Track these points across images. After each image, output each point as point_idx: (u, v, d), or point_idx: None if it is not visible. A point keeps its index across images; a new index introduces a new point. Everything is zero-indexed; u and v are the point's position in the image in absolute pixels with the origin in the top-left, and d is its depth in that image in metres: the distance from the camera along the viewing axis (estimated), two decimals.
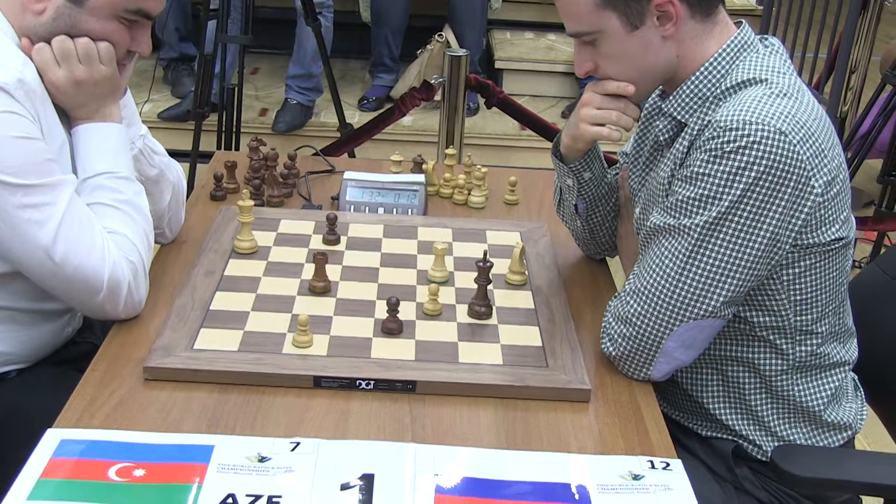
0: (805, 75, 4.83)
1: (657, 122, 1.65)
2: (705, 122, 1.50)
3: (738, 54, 1.55)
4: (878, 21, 4.38)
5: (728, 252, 1.46)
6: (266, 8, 4.57)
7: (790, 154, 1.42)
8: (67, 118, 1.63)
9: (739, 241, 1.46)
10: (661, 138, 1.63)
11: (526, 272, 1.79)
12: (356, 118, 4.43)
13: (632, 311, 1.53)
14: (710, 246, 1.47)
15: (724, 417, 1.65)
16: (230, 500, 1.23)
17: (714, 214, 1.45)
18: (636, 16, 1.51)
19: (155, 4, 1.60)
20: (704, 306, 1.49)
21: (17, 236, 1.49)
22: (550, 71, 4.98)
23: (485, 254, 1.67)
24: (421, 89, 3.43)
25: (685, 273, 1.48)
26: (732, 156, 1.43)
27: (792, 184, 1.44)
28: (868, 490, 1.57)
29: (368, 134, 3.60)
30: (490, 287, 1.69)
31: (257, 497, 1.24)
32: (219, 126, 3.67)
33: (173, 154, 1.91)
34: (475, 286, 1.66)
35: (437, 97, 3.38)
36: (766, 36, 1.62)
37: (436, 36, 4.60)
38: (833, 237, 1.52)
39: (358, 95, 4.83)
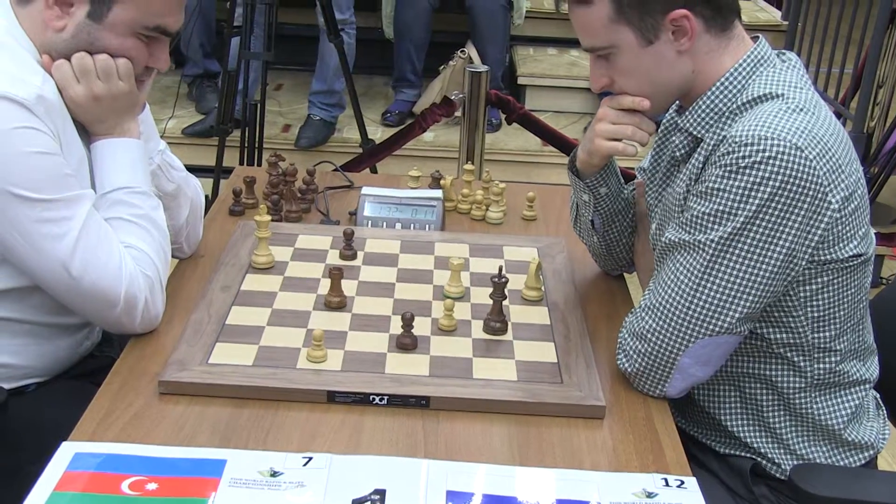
0: (831, 90, 4.80)
1: (673, 138, 1.64)
2: (721, 138, 1.49)
3: (754, 69, 1.54)
4: None
5: (743, 268, 1.45)
6: (289, 25, 4.61)
7: (806, 170, 1.41)
8: (86, 133, 1.64)
9: (755, 256, 1.45)
10: (678, 153, 1.63)
11: (542, 288, 1.78)
12: (378, 133, 4.45)
13: (647, 326, 1.52)
14: (725, 262, 1.46)
15: (741, 435, 1.63)
16: None
17: (729, 230, 1.44)
18: (651, 30, 1.50)
19: (173, 21, 1.61)
20: (720, 322, 1.47)
21: (35, 250, 1.50)
22: (573, 87, 4.97)
23: (500, 269, 1.67)
24: (441, 105, 3.43)
25: (700, 289, 1.47)
26: (748, 171, 1.42)
27: (808, 199, 1.42)
28: None
29: (389, 149, 3.60)
30: (506, 302, 1.68)
31: None
32: (241, 142, 3.70)
33: (197, 169, 1.92)
34: (491, 302, 1.66)
35: (458, 113, 3.38)
36: (783, 51, 1.61)
37: (458, 52, 4.61)
38: (851, 253, 1.50)
39: (381, 111, 4.84)
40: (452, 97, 3.39)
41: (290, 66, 5.06)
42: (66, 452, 1.32)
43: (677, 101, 1.66)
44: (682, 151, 1.62)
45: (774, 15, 5.60)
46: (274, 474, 1.31)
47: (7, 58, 1.54)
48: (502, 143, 4.60)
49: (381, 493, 1.28)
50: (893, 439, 1.90)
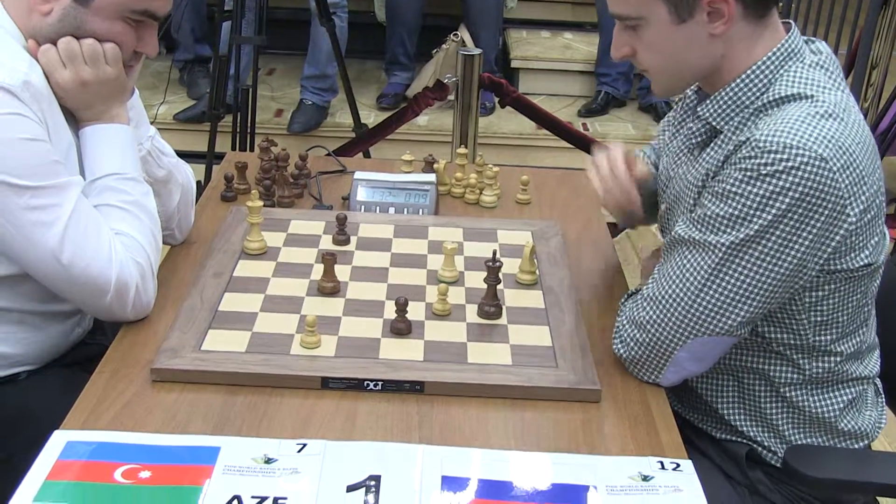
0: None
1: (690, 124, 1.60)
2: (744, 138, 1.43)
3: (783, 62, 1.48)
4: None
5: (752, 274, 1.42)
6: (280, 9, 4.58)
7: (829, 182, 1.37)
8: (74, 120, 1.63)
9: (765, 264, 1.41)
10: (693, 141, 1.58)
11: (537, 271, 1.77)
12: (372, 117, 4.43)
13: (647, 317, 1.50)
14: (734, 266, 1.43)
15: (737, 423, 1.62)
16: (236, 502, 1.23)
17: (742, 236, 1.41)
18: (686, 8, 1.43)
19: (161, 4, 1.59)
20: (721, 324, 1.46)
21: (24, 238, 1.49)
22: (567, 70, 4.95)
23: (494, 253, 1.66)
24: (434, 89, 3.42)
25: (705, 289, 1.45)
26: (769, 179, 1.37)
27: (826, 212, 1.38)
28: (885, 491, 1.54)
29: (382, 134, 3.59)
30: (500, 287, 1.68)
31: (263, 499, 1.23)
32: (233, 127, 3.67)
33: (189, 155, 1.90)
34: (485, 286, 1.65)
35: (451, 96, 3.37)
36: (812, 39, 1.54)
37: (451, 35, 4.58)
38: (862, 263, 1.47)
39: (374, 95, 4.82)
40: (445, 81, 3.37)
41: (282, 50, 5.03)
42: (58, 441, 1.31)
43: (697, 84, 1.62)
44: (699, 139, 1.57)
45: None
46: (268, 461, 1.30)
47: None
48: (496, 127, 4.58)
49: (377, 478, 1.27)
50: (889, 424, 1.90)
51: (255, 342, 1.54)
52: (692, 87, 1.65)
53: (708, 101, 1.53)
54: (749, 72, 1.48)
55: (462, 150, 2.31)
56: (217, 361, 1.48)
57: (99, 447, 1.31)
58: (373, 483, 1.27)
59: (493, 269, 1.64)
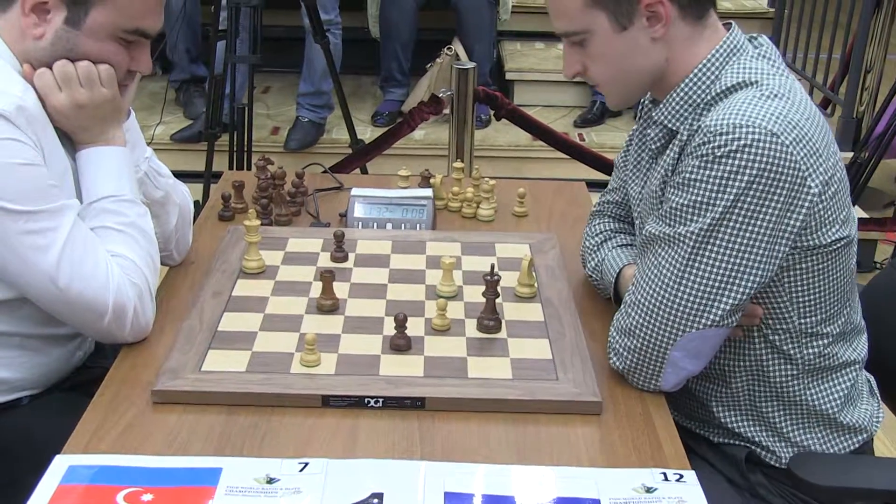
0: (819, 76, 4.80)
1: (649, 131, 1.63)
2: (695, 128, 1.48)
3: (727, 58, 1.53)
4: (893, 20, 4.36)
5: (726, 258, 1.44)
6: (275, 27, 4.58)
7: (783, 156, 1.40)
8: (70, 143, 1.63)
9: (736, 246, 1.43)
10: (653, 146, 1.62)
11: (535, 284, 1.77)
12: (368, 133, 4.44)
13: (633, 322, 1.51)
14: (706, 253, 1.44)
15: (735, 426, 1.63)
16: None
17: (709, 221, 1.43)
18: (625, 16, 1.49)
19: (153, 23, 1.60)
20: (707, 315, 1.46)
21: (20, 262, 1.49)
22: (561, 81, 4.96)
23: (492, 267, 1.66)
24: (429, 103, 3.42)
25: (684, 282, 1.46)
26: (724, 160, 1.40)
27: (787, 185, 1.41)
28: (889, 498, 1.54)
29: (379, 149, 3.60)
30: (499, 300, 1.68)
31: None
32: (230, 146, 3.68)
33: (187, 175, 1.90)
34: (484, 300, 1.65)
35: (446, 110, 3.38)
36: (755, 35, 1.59)
37: (445, 49, 4.60)
38: (834, 238, 1.49)
39: (369, 111, 4.83)
40: (440, 95, 3.38)
41: (277, 68, 5.05)
42: (59, 466, 1.31)
43: (649, 94, 1.65)
44: (658, 144, 1.61)
45: (761, 2, 5.60)
46: (270, 481, 1.30)
47: None
48: (492, 139, 4.59)
49: (379, 496, 1.27)
50: (890, 424, 1.90)
51: (255, 362, 1.54)
52: (647, 98, 1.69)
53: (661, 105, 1.57)
54: (696, 70, 1.53)
55: (458, 164, 2.32)
56: (217, 382, 1.48)
57: (101, 471, 1.31)
58: (375, 501, 1.26)
59: (491, 283, 1.64)
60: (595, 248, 1.81)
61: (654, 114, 1.59)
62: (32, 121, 1.51)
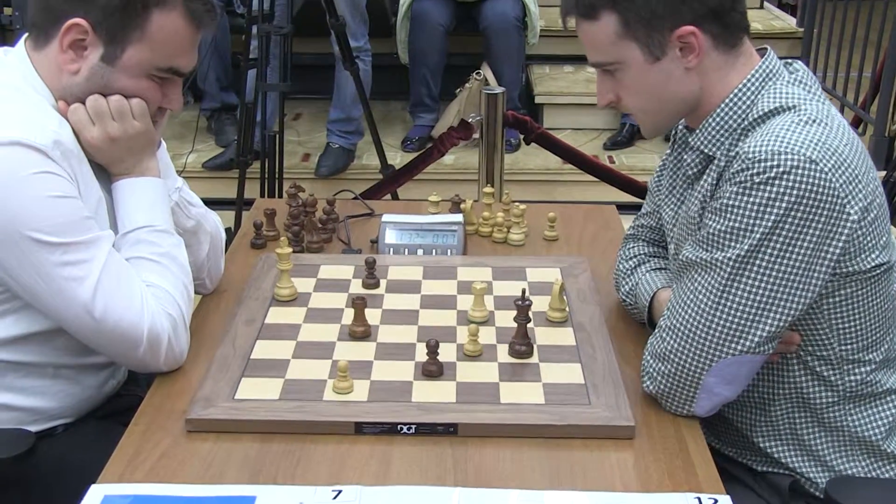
0: (850, 95, 4.77)
1: (685, 156, 1.62)
2: (734, 154, 1.47)
3: (763, 83, 1.52)
4: None
5: (763, 285, 1.42)
6: (305, 54, 4.63)
7: (822, 182, 1.39)
8: (104, 175, 1.65)
9: (774, 273, 1.42)
10: (690, 172, 1.61)
11: (567, 309, 1.77)
12: (398, 159, 4.45)
13: (668, 347, 1.50)
14: (744, 279, 1.43)
15: (776, 454, 1.61)
16: None
17: (747, 247, 1.42)
18: (658, 47, 1.49)
19: (186, 62, 1.62)
20: (743, 342, 1.45)
21: (56, 293, 1.51)
22: (591, 104, 4.94)
23: (523, 292, 1.66)
24: (459, 128, 3.44)
25: (720, 308, 1.45)
26: (763, 187, 1.39)
27: (826, 212, 1.40)
28: None
29: (409, 175, 3.61)
30: (530, 325, 1.67)
31: None
32: (262, 173, 3.71)
33: (218, 203, 1.91)
34: (515, 325, 1.65)
35: (476, 135, 3.38)
36: (790, 60, 1.59)
37: (474, 74, 4.62)
38: (874, 263, 1.48)
39: (399, 136, 4.85)
40: (470, 119, 3.39)
41: (308, 95, 5.09)
42: (95, 496, 1.32)
43: (683, 120, 1.65)
44: (695, 170, 1.60)
45: (790, 22, 5.58)
46: None
47: (24, 103, 1.55)
48: (522, 163, 4.60)
49: None
50: None
51: (288, 389, 1.54)
52: (681, 124, 1.68)
53: (698, 130, 1.57)
54: (731, 95, 1.53)
55: (488, 188, 2.32)
56: (251, 410, 1.49)
57: (136, 500, 1.32)
58: None
59: (522, 307, 1.63)
60: (629, 271, 1.81)
61: (690, 139, 1.59)
62: (68, 154, 1.53)
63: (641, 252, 1.83)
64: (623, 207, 2.46)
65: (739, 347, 1.45)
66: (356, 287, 1.88)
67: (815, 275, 1.44)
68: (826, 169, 1.39)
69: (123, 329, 1.54)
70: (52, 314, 1.54)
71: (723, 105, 1.53)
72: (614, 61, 1.53)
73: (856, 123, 4.78)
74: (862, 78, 4.69)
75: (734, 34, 1.52)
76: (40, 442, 1.61)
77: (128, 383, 1.85)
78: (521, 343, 1.64)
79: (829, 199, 1.40)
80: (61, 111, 1.59)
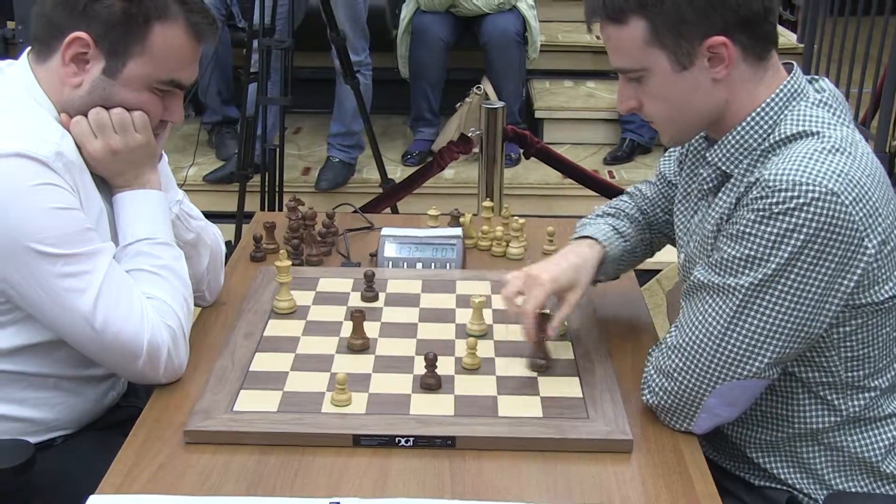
0: (851, 110, 4.78)
1: (701, 171, 1.60)
2: (753, 179, 1.44)
3: (787, 103, 1.49)
4: None
5: (774, 314, 1.41)
6: (305, 68, 4.64)
7: (842, 216, 1.37)
8: (106, 186, 1.66)
9: (787, 303, 1.41)
10: (706, 187, 1.59)
11: (565, 322, 1.77)
12: (398, 172, 4.46)
13: (673, 365, 1.50)
14: (755, 307, 1.42)
15: (775, 470, 1.60)
16: None
17: (761, 276, 1.40)
18: (686, 56, 1.45)
19: (188, 75, 1.63)
20: (748, 367, 1.44)
21: (57, 305, 1.51)
22: (591, 119, 4.99)
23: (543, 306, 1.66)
24: (459, 142, 3.44)
25: (729, 333, 1.44)
26: (782, 217, 1.38)
27: (843, 246, 1.38)
28: None
29: (409, 189, 3.61)
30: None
31: None
32: (262, 187, 3.72)
33: (219, 216, 1.92)
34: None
35: (476, 149, 3.39)
36: (816, 77, 1.55)
37: (474, 88, 4.63)
38: (888, 295, 1.46)
39: (400, 150, 4.87)
40: (470, 134, 3.40)
41: (308, 109, 5.10)
42: None
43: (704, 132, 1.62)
44: (711, 185, 1.58)
45: (790, 38, 5.60)
46: None
47: (26, 116, 1.56)
48: (522, 178, 4.61)
49: None
50: None
51: (286, 401, 1.55)
52: (700, 135, 1.65)
53: (716, 146, 1.54)
54: (754, 114, 1.49)
55: (488, 203, 2.33)
56: (249, 422, 1.49)
57: None
58: None
59: (542, 321, 1.63)
60: (597, 215, 1.84)
61: (707, 154, 1.56)
62: (70, 166, 1.54)
63: (621, 209, 1.85)
64: None
65: (745, 372, 1.45)
66: (355, 300, 1.88)
67: (828, 306, 1.42)
68: (847, 202, 1.37)
69: (123, 341, 1.55)
70: (53, 325, 1.55)
71: (744, 123, 1.50)
72: (640, 68, 1.48)
73: None
74: (862, 94, 4.70)
75: (764, 46, 1.48)
76: (39, 453, 1.61)
77: (127, 395, 1.85)
78: (541, 357, 1.64)
79: (848, 232, 1.38)
80: (63, 124, 1.60)
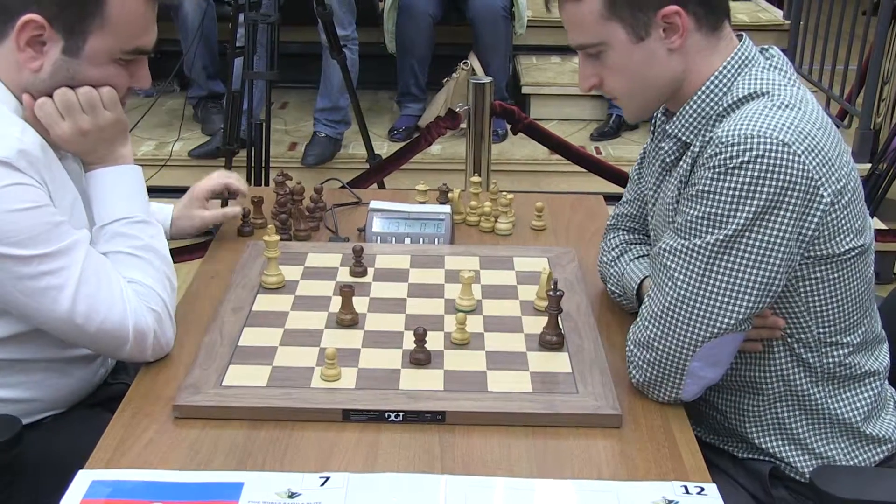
0: (836, 88, 4.79)
1: (663, 144, 1.63)
2: (707, 139, 1.48)
3: (739, 69, 1.54)
4: None
5: (741, 268, 1.44)
6: (292, 43, 4.61)
7: (797, 165, 1.40)
8: (79, 166, 1.63)
9: (752, 256, 1.43)
10: (668, 160, 1.62)
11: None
12: (385, 148, 4.45)
13: (651, 335, 1.51)
14: (722, 263, 1.44)
15: (759, 441, 1.62)
16: None
17: (725, 233, 1.43)
18: (642, 27, 1.50)
19: (149, 39, 1.59)
20: (723, 322, 1.46)
21: (37, 304, 1.49)
22: (578, 94, 4.97)
23: (555, 283, 1.65)
24: (446, 118, 3.44)
25: (700, 292, 1.46)
26: (737, 171, 1.41)
27: (800, 195, 1.41)
28: None
29: (396, 164, 3.61)
30: (517, 314, 1.67)
31: None
32: (248, 162, 3.70)
33: None
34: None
35: (463, 125, 3.39)
36: (766, 46, 1.60)
37: (461, 64, 4.61)
38: (847, 247, 1.49)
39: (387, 126, 4.85)
40: (457, 109, 3.39)
41: (294, 83, 5.08)
42: (82, 481, 1.32)
43: (664, 107, 1.65)
44: (672, 157, 1.61)
45: (776, 14, 5.60)
46: (292, 495, 1.30)
47: None
48: (509, 153, 4.60)
49: None
50: None
51: (275, 376, 1.54)
52: (660, 112, 1.69)
53: (675, 118, 1.58)
54: (709, 82, 1.54)
55: (476, 178, 2.32)
56: (238, 397, 1.49)
57: (122, 486, 1.32)
58: None
59: (554, 298, 1.63)
60: (612, 262, 1.81)
61: (667, 127, 1.60)
62: (34, 161, 1.49)
63: (623, 241, 1.84)
64: (610, 198, 2.46)
65: (720, 328, 1.46)
66: (343, 275, 1.88)
67: (791, 255, 1.45)
68: (799, 152, 1.41)
69: (108, 330, 1.53)
70: (35, 322, 1.53)
71: (699, 92, 1.54)
72: (598, 42, 1.53)
73: (841, 116, 4.80)
74: (848, 71, 4.70)
75: (717, 16, 1.53)
76: (27, 431, 1.61)
77: (116, 371, 1.84)
78: (553, 333, 1.64)
79: (803, 181, 1.41)
80: (27, 105, 1.54)
